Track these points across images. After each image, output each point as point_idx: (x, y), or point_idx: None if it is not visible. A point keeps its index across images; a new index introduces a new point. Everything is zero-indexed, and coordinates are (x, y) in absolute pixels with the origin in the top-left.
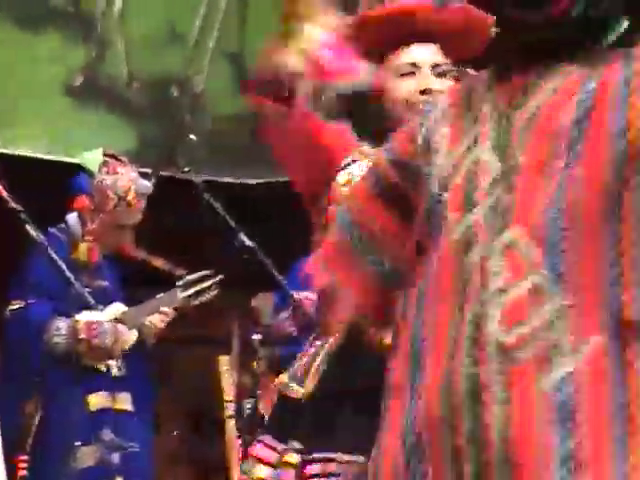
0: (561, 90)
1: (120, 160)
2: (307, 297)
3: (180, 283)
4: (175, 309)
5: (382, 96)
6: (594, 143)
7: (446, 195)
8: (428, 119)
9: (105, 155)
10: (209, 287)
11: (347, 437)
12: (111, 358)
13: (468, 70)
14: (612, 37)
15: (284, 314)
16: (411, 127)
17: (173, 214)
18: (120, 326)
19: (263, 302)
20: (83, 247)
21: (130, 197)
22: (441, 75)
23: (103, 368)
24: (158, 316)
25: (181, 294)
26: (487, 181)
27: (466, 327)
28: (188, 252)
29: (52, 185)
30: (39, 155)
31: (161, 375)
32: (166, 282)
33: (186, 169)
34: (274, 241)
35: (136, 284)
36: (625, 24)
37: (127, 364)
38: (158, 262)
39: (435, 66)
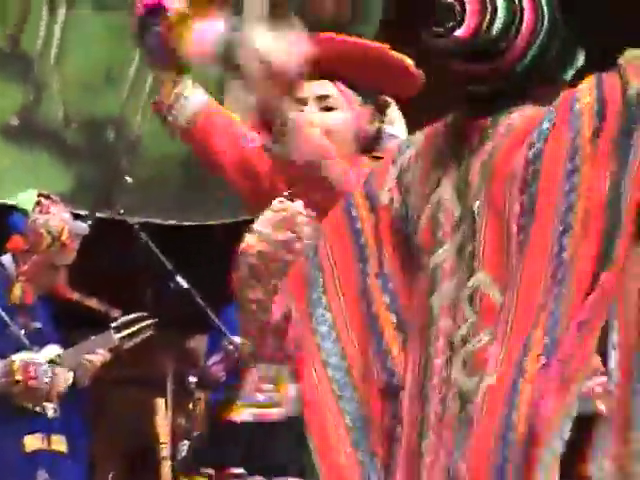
0: (514, 133)
1: (53, 200)
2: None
3: (115, 324)
4: (110, 350)
5: None
6: (547, 186)
7: (417, 236)
8: (403, 157)
9: (39, 195)
10: (144, 328)
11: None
12: (47, 400)
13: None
14: (570, 73)
15: (215, 358)
16: (386, 163)
17: (109, 256)
18: (57, 368)
19: (199, 344)
20: (17, 288)
21: (64, 237)
22: (328, 109)
23: (39, 409)
24: (93, 357)
25: (116, 335)
26: (449, 223)
27: (429, 371)
28: (124, 294)
29: None
30: None
31: (96, 416)
32: (101, 323)
33: (122, 211)
34: (210, 284)
35: (70, 325)
36: (581, 59)
37: (62, 406)
38: (92, 303)
39: (320, 99)
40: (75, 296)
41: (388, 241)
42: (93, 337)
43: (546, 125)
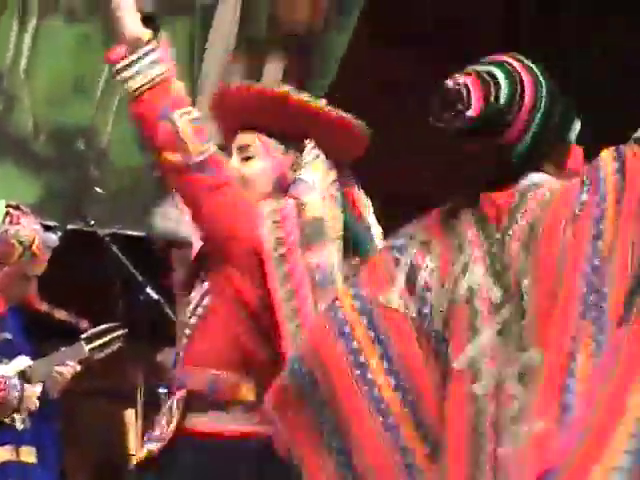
0: (553, 209)
1: (23, 211)
2: None
3: (85, 336)
4: (80, 362)
5: None
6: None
7: (447, 332)
8: (406, 257)
9: (8, 206)
10: (114, 340)
11: None
12: (17, 412)
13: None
14: (573, 137)
15: None
16: (383, 265)
17: (79, 267)
18: (25, 380)
19: (168, 356)
20: None
21: (35, 247)
22: (248, 158)
23: (8, 421)
24: (64, 368)
25: (86, 347)
26: (487, 307)
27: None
28: (94, 305)
29: None
30: None
31: (66, 427)
32: (71, 335)
33: (92, 222)
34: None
35: (41, 336)
36: (578, 123)
37: (32, 417)
38: (62, 314)
39: (240, 148)
40: (45, 307)
41: (401, 340)
42: (63, 348)
43: (584, 197)
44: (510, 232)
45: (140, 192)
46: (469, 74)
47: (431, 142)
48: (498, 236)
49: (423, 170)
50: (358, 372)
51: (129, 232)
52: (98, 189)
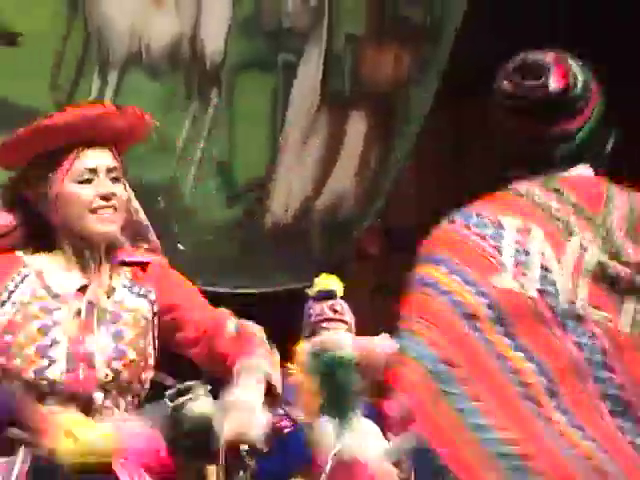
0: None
1: None
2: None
3: (169, 392)
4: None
5: None
6: None
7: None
8: (506, 241)
9: None
10: (198, 397)
11: None
12: None
13: None
14: (608, 149)
15: None
16: (477, 251)
17: None
18: None
19: None
20: None
21: None
22: (115, 180)
23: None
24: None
25: (170, 404)
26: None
27: None
28: (178, 362)
29: None
30: None
31: None
32: (155, 392)
33: None
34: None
35: None
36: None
37: None
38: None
39: (109, 170)
40: None
41: (524, 321)
42: (148, 405)
43: None
44: (611, 219)
45: (222, 248)
46: (547, 53)
47: None
48: (599, 221)
49: None
50: (487, 348)
51: (212, 288)
52: (180, 245)
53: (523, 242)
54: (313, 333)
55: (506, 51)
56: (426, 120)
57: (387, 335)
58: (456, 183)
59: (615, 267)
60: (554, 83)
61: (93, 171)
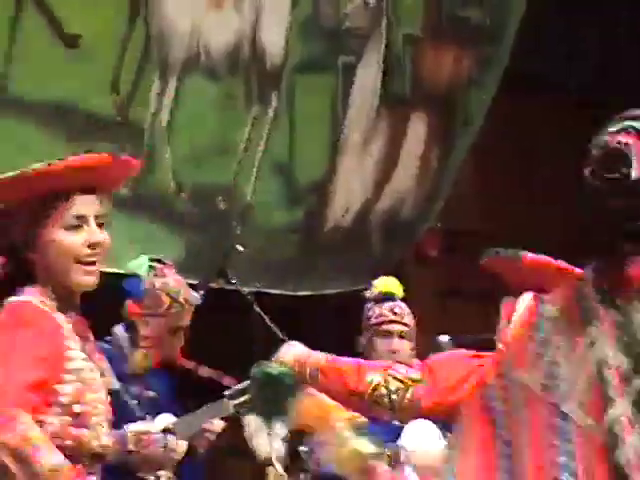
0: None
1: (166, 264)
2: None
3: (229, 392)
4: (224, 419)
5: None
6: None
7: (574, 406)
8: (540, 333)
9: (151, 260)
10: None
11: None
12: (162, 469)
13: None
14: None
15: None
16: (521, 336)
17: (221, 324)
18: (170, 436)
19: None
20: (137, 356)
21: (181, 298)
22: (100, 226)
23: (152, 478)
24: (212, 426)
25: (230, 403)
26: (618, 377)
27: None
28: (236, 362)
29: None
30: None
31: None
32: (213, 392)
33: (234, 280)
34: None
35: (185, 394)
36: None
37: (177, 474)
38: (206, 371)
39: (97, 217)
40: (190, 364)
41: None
42: (207, 405)
43: None
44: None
45: (282, 250)
46: (629, 132)
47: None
48: (621, 304)
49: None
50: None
51: (270, 290)
52: (239, 247)
53: (553, 334)
54: (373, 335)
55: (569, 50)
56: (486, 120)
57: (446, 336)
58: (517, 184)
59: None
60: (636, 172)
61: (82, 218)
